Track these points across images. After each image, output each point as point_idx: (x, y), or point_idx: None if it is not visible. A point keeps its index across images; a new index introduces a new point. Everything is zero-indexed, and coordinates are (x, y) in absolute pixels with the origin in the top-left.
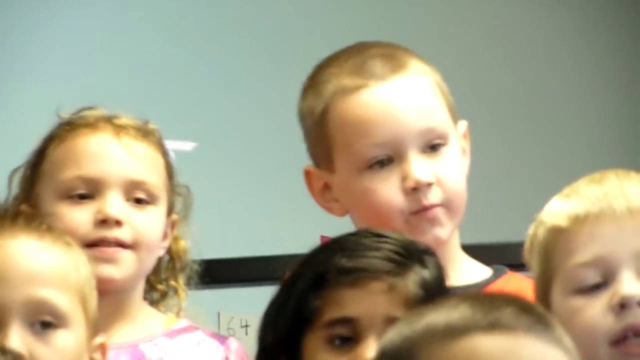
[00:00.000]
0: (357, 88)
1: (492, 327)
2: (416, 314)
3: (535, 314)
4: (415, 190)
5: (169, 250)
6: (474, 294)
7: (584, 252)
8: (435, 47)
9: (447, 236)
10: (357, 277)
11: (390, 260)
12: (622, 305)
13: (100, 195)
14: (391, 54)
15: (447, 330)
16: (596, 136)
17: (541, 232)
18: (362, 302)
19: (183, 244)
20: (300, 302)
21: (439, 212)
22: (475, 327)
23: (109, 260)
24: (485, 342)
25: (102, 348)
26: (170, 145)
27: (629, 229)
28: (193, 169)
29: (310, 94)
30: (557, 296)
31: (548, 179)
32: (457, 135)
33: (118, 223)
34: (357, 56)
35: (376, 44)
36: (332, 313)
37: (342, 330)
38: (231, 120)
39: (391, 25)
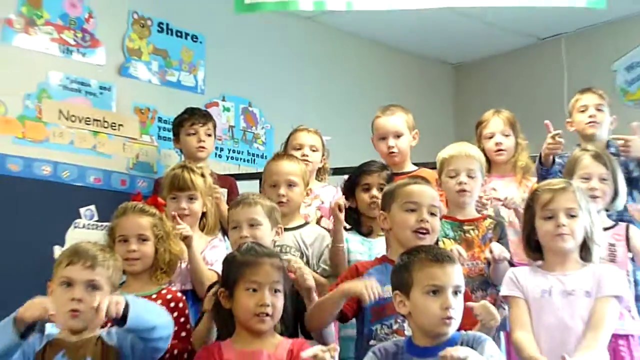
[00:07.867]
0: (377, 117)
1: None
2: None
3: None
4: (389, 154)
5: (319, 170)
6: None
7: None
8: None
9: None
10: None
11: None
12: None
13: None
14: (393, 108)
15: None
16: None
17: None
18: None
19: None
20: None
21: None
22: None
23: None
24: None
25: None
26: (325, 137)
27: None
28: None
29: (376, 115)
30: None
31: None
32: (410, 134)
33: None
34: (382, 107)
35: (392, 105)
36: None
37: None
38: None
39: None
